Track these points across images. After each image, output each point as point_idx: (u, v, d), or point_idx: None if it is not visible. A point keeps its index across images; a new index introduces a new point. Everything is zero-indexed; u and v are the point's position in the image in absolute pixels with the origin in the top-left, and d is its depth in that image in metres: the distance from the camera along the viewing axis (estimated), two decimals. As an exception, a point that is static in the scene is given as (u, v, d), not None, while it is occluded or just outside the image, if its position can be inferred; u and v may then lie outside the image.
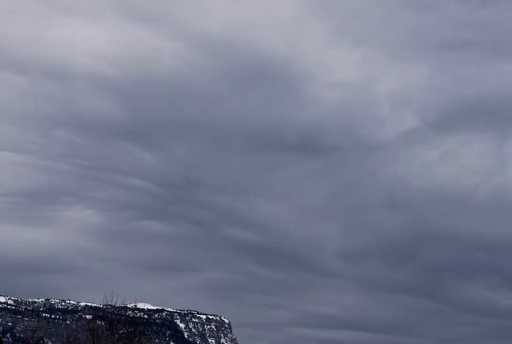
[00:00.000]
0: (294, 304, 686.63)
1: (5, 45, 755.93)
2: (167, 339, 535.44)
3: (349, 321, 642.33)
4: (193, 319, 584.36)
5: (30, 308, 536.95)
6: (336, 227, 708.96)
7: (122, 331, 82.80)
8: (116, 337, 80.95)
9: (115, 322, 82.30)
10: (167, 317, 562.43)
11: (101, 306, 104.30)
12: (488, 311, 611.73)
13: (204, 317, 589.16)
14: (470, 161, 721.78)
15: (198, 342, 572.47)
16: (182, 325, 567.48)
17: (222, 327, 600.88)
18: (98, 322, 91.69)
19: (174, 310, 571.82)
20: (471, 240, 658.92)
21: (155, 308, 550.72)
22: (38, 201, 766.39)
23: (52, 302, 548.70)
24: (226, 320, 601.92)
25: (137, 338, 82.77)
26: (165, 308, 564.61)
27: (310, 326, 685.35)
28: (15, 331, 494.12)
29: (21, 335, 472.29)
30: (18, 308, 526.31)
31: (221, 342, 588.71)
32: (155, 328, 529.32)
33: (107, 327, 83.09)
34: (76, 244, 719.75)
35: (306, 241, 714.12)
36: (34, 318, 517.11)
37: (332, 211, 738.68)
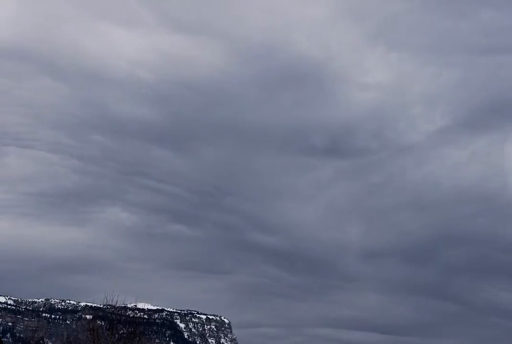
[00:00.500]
0: (316, 306, 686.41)
1: (45, 51, 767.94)
2: (167, 339, 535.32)
3: (370, 323, 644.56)
4: (193, 319, 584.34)
5: (30, 308, 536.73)
6: (360, 230, 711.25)
7: (122, 331, 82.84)
8: (116, 337, 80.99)
9: (115, 322, 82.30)
10: (167, 317, 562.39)
11: (101, 306, 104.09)
12: (510, 313, 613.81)
13: (204, 317, 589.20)
14: (500, 160, 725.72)
15: (198, 342, 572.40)
16: (182, 325, 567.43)
17: (222, 327, 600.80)
18: (98, 322, 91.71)
19: (174, 310, 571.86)
20: (494, 241, 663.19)
21: (155, 308, 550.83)
22: (73, 202, 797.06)
23: (52, 302, 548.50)
24: (226, 320, 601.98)
25: (137, 338, 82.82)
26: (165, 308, 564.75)
27: (331, 327, 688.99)
28: (15, 331, 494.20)
29: (21, 335, 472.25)
30: (18, 308, 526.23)
31: (221, 342, 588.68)
32: (155, 328, 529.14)
33: (107, 327, 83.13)
34: (110, 245, 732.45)
35: (330, 244, 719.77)
36: (34, 318, 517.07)
37: (358, 214, 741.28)
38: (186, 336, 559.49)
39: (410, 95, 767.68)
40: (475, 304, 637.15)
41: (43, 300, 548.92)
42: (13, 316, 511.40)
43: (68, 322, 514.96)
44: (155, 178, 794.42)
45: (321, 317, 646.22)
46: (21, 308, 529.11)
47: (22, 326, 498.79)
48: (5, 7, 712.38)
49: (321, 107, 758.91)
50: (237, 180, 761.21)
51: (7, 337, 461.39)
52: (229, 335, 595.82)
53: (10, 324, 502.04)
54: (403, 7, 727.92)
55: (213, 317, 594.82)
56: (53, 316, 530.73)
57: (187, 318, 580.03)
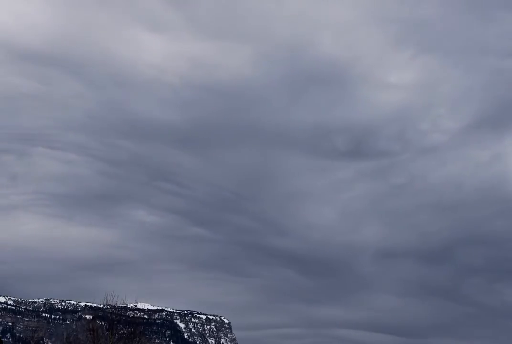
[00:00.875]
0: (333, 308, 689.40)
1: (75, 57, 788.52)
2: (167, 339, 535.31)
3: (387, 325, 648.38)
4: (193, 319, 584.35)
5: (30, 308, 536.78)
6: (381, 232, 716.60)
7: (122, 331, 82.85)
8: (116, 337, 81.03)
9: (115, 322, 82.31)
10: (167, 317, 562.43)
11: (101, 306, 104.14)
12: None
13: (204, 317, 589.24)
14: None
15: (198, 342, 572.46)
16: (182, 325, 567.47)
17: (222, 327, 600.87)
18: (98, 322, 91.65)
19: (174, 310, 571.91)
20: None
21: (155, 308, 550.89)
22: (98, 204, 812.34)
23: (52, 302, 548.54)
24: (226, 320, 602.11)
25: (137, 338, 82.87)
26: (165, 308, 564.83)
27: (348, 328, 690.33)
28: (15, 331, 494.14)
29: (21, 335, 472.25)
30: (18, 308, 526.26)
31: (221, 342, 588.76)
32: (155, 328, 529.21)
33: (107, 327, 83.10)
34: (133, 246, 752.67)
35: (350, 246, 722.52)
36: (34, 318, 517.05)
37: (379, 216, 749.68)
38: (186, 336, 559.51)
39: (434, 96, 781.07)
40: (492, 305, 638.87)
41: (43, 300, 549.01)
42: (13, 316, 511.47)
43: (68, 322, 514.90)
44: (179, 183, 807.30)
45: (338, 319, 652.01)
46: (21, 308, 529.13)
47: (22, 326, 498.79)
48: (39, 14, 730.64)
49: (346, 109, 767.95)
50: (258, 184, 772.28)
51: (7, 337, 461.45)
52: (229, 335, 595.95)
53: (10, 324, 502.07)
54: (432, 11, 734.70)
55: (213, 317, 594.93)
56: (53, 316, 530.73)
57: (187, 318, 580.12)
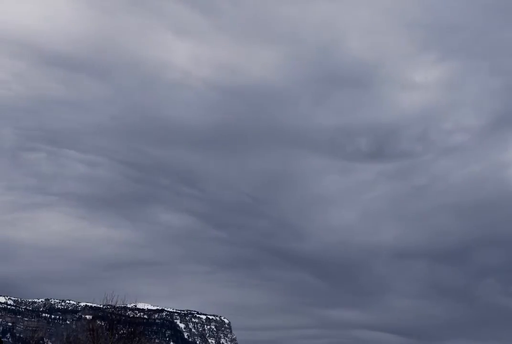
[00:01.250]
0: (351, 309, 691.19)
1: (102, 60, 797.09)
2: (167, 339, 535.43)
3: (401, 326, 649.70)
4: (193, 319, 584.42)
5: (30, 308, 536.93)
6: (398, 233, 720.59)
7: (122, 331, 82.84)
8: (116, 337, 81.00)
9: (115, 322, 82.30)
10: (167, 317, 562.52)
11: (101, 306, 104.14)
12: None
13: (204, 317, 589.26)
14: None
15: (198, 342, 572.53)
16: (182, 325, 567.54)
17: (222, 327, 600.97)
18: (98, 322, 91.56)
19: (174, 310, 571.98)
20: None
21: (155, 308, 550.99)
22: (124, 207, 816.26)
23: (52, 302, 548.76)
24: (226, 320, 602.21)
25: (137, 338, 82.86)
26: (165, 308, 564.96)
27: (365, 329, 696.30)
28: (15, 331, 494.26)
29: (21, 335, 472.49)
30: (18, 308, 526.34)
31: (221, 342, 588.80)
32: (155, 328, 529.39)
33: (107, 327, 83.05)
34: (156, 248, 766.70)
35: (367, 248, 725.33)
36: (34, 318, 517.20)
37: (397, 217, 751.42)
38: (186, 336, 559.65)
39: (457, 97, 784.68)
40: (508, 307, 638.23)
41: (43, 300, 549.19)
42: (13, 316, 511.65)
43: (68, 322, 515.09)
44: (200, 186, 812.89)
45: (354, 320, 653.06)
46: (21, 308, 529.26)
47: (22, 326, 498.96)
48: (68, 18, 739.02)
49: (369, 110, 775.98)
50: (279, 187, 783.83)
51: (7, 337, 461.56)
52: (229, 335, 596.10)
53: (10, 324, 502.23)
54: (456, 15, 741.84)
55: (213, 317, 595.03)
56: (53, 316, 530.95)
57: (187, 318, 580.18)
